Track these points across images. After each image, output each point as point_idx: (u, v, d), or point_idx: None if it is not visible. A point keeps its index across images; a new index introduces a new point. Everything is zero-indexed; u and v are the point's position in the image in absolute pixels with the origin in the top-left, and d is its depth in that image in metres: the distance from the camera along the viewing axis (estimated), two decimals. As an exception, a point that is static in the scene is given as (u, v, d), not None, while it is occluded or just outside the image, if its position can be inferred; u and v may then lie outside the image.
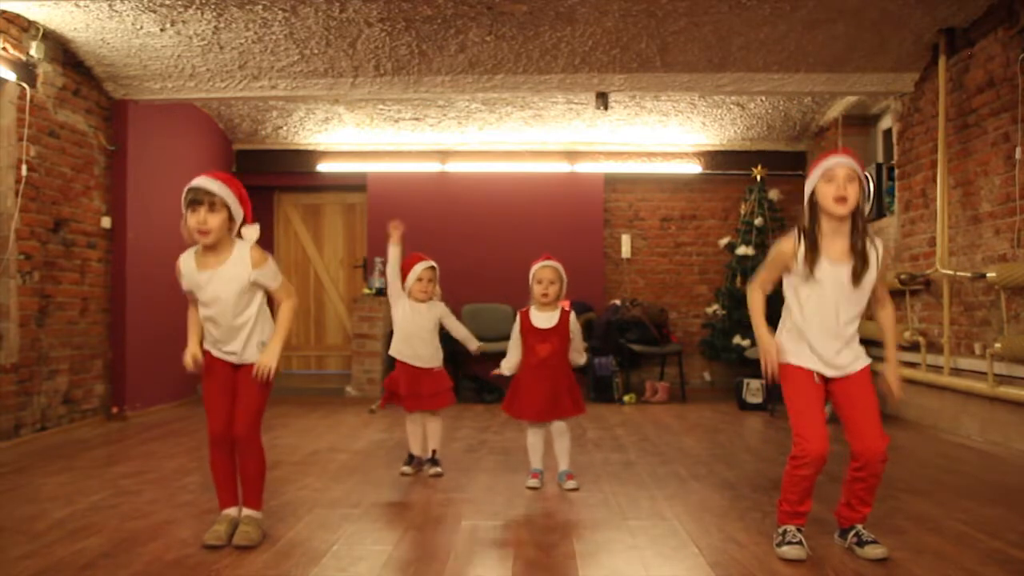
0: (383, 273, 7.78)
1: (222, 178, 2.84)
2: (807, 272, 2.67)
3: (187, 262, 2.89)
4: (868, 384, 2.70)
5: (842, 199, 2.63)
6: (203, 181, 2.79)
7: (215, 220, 2.77)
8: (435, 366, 4.07)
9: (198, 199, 2.77)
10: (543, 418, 3.76)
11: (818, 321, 2.69)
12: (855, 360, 2.71)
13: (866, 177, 2.73)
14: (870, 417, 2.67)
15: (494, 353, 7.50)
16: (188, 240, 2.86)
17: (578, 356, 3.86)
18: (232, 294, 2.83)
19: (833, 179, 2.66)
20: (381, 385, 7.52)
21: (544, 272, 3.74)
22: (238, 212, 2.84)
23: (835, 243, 2.69)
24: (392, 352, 4.09)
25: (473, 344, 4.19)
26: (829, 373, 2.70)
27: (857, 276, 2.65)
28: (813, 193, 2.72)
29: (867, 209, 2.78)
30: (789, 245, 2.73)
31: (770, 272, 2.82)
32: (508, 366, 3.82)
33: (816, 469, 2.65)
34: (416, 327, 4.02)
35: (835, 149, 2.76)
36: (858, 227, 2.68)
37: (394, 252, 4.06)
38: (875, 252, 2.70)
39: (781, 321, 2.81)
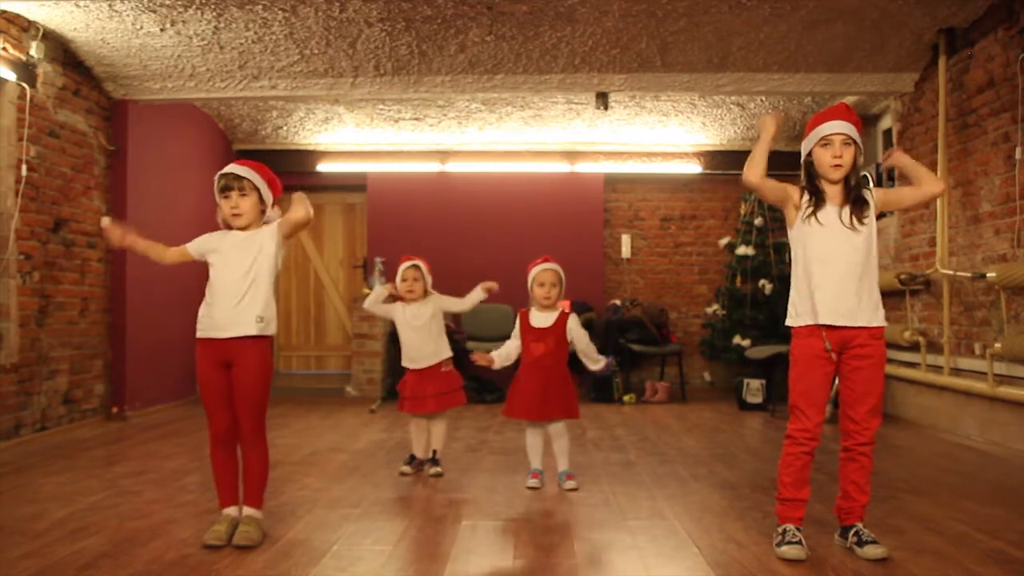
0: (383, 273, 7.80)
1: (250, 164, 2.97)
2: (811, 216, 2.72)
3: (215, 233, 2.99)
4: (876, 369, 2.70)
5: (837, 166, 2.71)
6: (232, 167, 2.92)
7: (246, 203, 2.91)
8: (441, 360, 4.05)
9: (229, 185, 2.90)
10: (533, 417, 3.76)
11: (825, 263, 2.70)
12: (866, 310, 2.68)
13: (860, 145, 2.77)
14: (866, 401, 2.69)
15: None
16: (223, 226, 2.98)
17: (591, 362, 3.81)
18: (249, 253, 2.89)
19: (829, 144, 2.73)
20: (389, 388, 7.53)
21: (545, 275, 3.75)
22: (268, 195, 2.97)
23: (833, 196, 2.76)
24: (403, 361, 4.09)
25: (478, 295, 4.09)
26: (839, 321, 2.67)
27: (858, 216, 2.70)
28: (809, 154, 2.79)
29: (862, 163, 2.82)
30: (796, 190, 2.81)
31: (774, 183, 2.85)
32: (499, 357, 3.78)
33: (810, 448, 2.69)
34: (415, 329, 4.03)
35: (832, 108, 2.79)
36: (850, 183, 2.74)
37: (381, 292, 4.13)
38: (871, 194, 2.76)
39: (792, 286, 2.82)
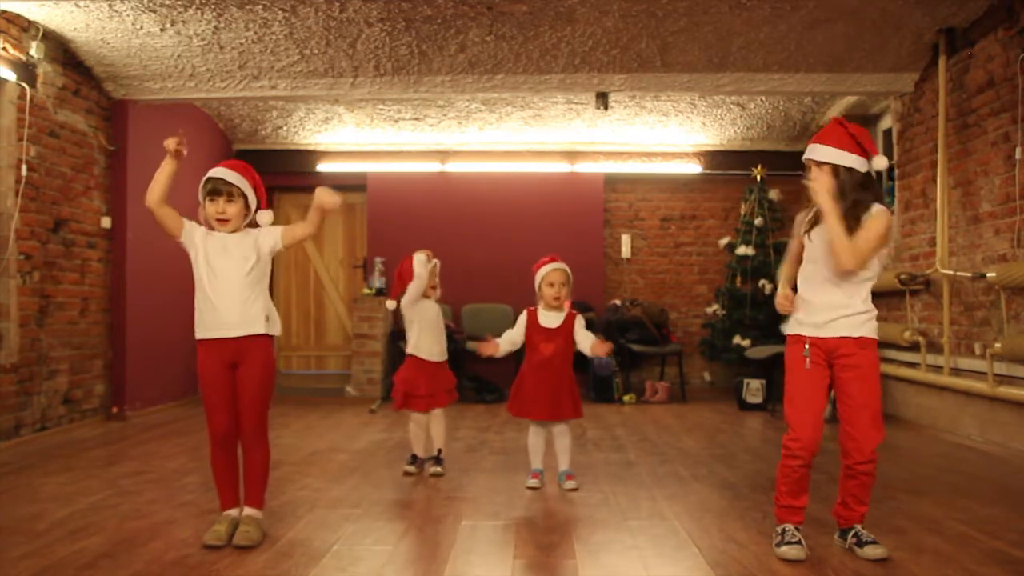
0: (383, 273, 7.81)
1: (239, 168, 2.95)
2: (806, 233, 2.79)
3: (203, 229, 2.94)
4: (868, 379, 2.70)
5: (813, 189, 2.73)
6: (221, 172, 2.89)
7: (233, 209, 2.89)
8: (446, 359, 4.18)
9: (217, 189, 2.88)
10: (546, 417, 3.76)
11: (808, 279, 2.76)
12: (848, 324, 2.68)
13: (841, 169, 2.73)
14: (862, 414, 2.69)
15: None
16: (205, 226, 2.95)
17: (584, 339, 3.72)
18: (249, 255, 2.88)
19: (808, 169, 2.78)
20: (389, 388, 7.52)
21: (555, 275, 3.74)
22: (253, 201, 2.96)
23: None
24: (418, 352, 4.07)
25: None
26: (819, 333, 2.70)
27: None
28: None
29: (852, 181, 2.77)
30: (801, 215, 2.90)
31: (794, 242, 2.90)
32: (505, 343, 3.76)
33: (806, 459, 2.69)
34: (436, 324, 4.14)
35: (823, 128, 2.81)
36: (846, 202, 2.66)
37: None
38: (867, 215, 2.67)
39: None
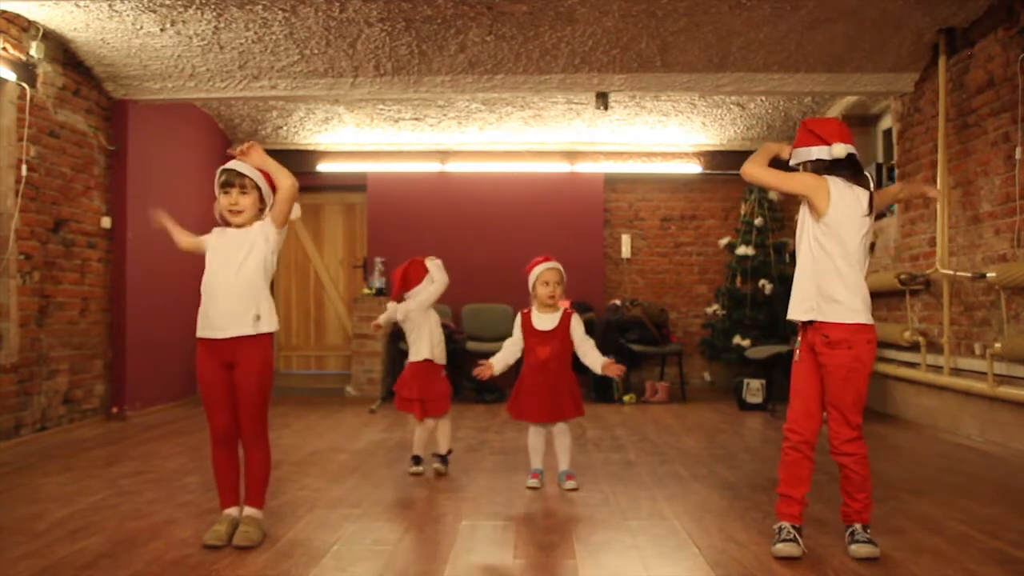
0: (383, 273, 7.81)
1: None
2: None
3: (215, 230, 2.98)
4: (835, 380, 2.71)
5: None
6: (236, 164, 2.88)
7: (246, 201, 2.88)
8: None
9: (230, 181, 2.88)
10: (546, 419, 3.76)
11: (797, 264, 2.88)
12: (815, 303, 2.74)
13: (807, 164, 2.91)
14: (831, 410, 2.74)
15: (492, 353, 7.53)
16: (220, 221, 2.96)
17: (594, 358, 3.75)
18: (241, 251, 2.87)
19: None
20: (389, 388, 7.52)
21: (549, 274, 3.74)
22: (268, 196, 2.94)
23: None
24: (434, 357, 4.09)
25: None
26: (807, 316, 2.77)
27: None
28: None
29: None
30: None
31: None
32: (499, 363, 3.78)
33: (793, 441, 2.75)
34: (439, 326, 4.15)
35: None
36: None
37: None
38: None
39: None
